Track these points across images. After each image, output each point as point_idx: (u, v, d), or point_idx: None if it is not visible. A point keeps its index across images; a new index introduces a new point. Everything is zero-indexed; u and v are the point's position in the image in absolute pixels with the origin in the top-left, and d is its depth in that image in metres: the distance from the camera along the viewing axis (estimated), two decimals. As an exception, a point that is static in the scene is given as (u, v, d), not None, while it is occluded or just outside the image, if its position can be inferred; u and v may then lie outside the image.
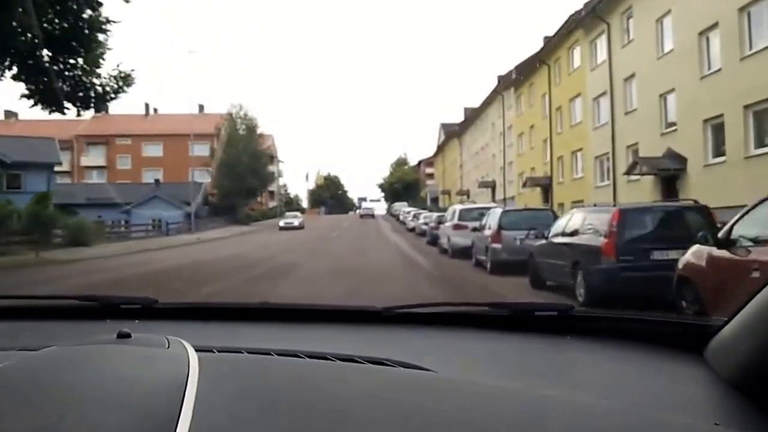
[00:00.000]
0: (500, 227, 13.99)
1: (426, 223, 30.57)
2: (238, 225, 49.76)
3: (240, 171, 51.35)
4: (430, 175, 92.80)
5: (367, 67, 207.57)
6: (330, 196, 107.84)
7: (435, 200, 70.96)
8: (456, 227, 18.82)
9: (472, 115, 55.72)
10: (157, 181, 52.60)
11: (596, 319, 1.43)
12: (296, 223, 45.26)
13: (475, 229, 16.23)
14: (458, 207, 20.25)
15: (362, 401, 0.74)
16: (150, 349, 0.83)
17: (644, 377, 1.08)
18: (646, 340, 1.22)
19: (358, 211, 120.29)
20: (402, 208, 54.59)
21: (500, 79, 46.32)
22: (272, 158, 76.52)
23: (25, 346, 1.06)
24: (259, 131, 58.02)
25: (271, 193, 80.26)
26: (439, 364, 1.02)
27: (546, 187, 34.20)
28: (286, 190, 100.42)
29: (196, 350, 0.83)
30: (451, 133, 67.31)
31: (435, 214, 29.33)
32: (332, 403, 0.72)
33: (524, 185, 36.16)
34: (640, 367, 1.13)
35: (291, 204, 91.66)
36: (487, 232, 14.49)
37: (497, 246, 13.74)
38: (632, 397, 0.95)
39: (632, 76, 23.69)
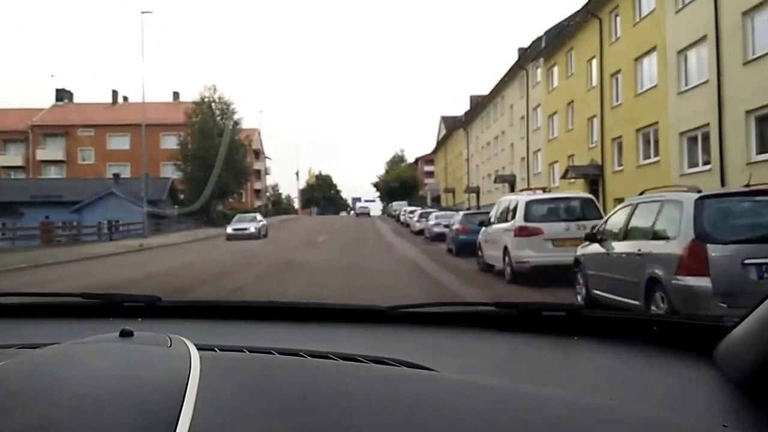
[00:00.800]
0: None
1: (444, 225, 23.20)
2: (212, 227, 41.63)
3: (212, 164, 42.72)
4: (430, 174, 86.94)
5: (360, 61, 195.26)
6: (323, 195, 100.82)
7: (436, 199, 65.27)
8: (522, 233, 10.90)
9: (482, 102, 48.27)
10: (116, 176, 44.47)
11: (604, 319, 1.40)
12: (252, 229, 31.39)
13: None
14: (520, 198, 11.66)
15: (364, 401, 0.74)
16: (152, 347, 0.83)
17: (652, 379, 1.07)
18: (655, 341, 1.20)
19: (352, 211, 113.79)
20: (402, 207, 48.61)
21: (522, 52, 38.54)
22: (257, 153, 70.84)
23: (28, 344, 1.08)
24: (236, 117, 49.31)
25: (258, 191, 74.31)
26: (443, 364, 1.02)
27: (594, 179, 26.45)
28: (276, 190, 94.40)
29: (198, 349, 0.83)
30: (455, 126, 60.89)
31: (460, 213, 21.52)
32: (334, 403, 0.72)
33: (564, 176, 28.30)
34: (648, 368, 1.12)
35: (280, 204, 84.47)
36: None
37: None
38: (640, 398, 0.95)
39: (761, 4, 15.94)
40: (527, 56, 36.31)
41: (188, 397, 0.66)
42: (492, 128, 45.49)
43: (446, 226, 22.33)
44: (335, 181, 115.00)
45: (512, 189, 36.88)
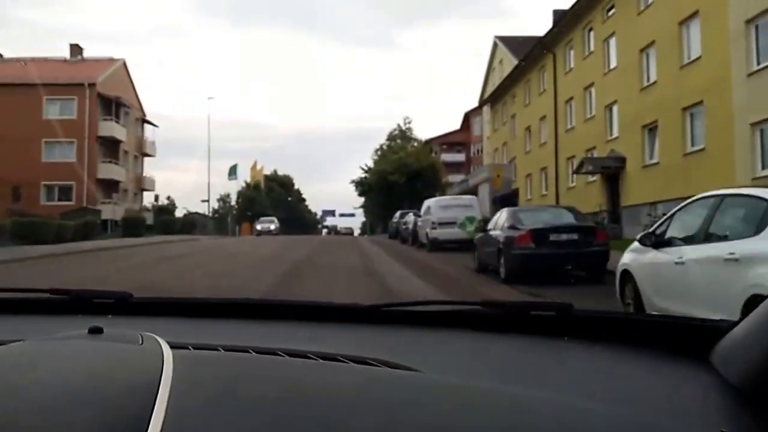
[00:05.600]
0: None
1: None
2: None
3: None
4: (454, 167, 60.39)
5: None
6: (274, 202, 72.18)
7: (505, 199, 33.61)
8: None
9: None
10: None
11: (596, 319, 1.37)
12: None
13: None
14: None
15: (344, 402, 0.72)
16: (122, 345, 0.82)
17: (646, 381, 1.04)
18: (649, 341, 1.18)
19: (324, 230, 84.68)
20: (440, 213, 22.07)
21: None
22: (110, 103, 42.80)
23: None
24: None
25: (116, 185, 44.74)
26: (427, 365, 1.01)
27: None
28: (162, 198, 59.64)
29: (171, 347, 0.81)
30: (532, 55, 33.59)
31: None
32: (313, 404, 0.70)
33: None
34: (642, 370, 1.10)
35: (165, 212, 52.01)
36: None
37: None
38: (633, 401, 0.93)
39: None
40: None
41: (160, 398, 0.64)
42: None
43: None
44: (299, 187, 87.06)
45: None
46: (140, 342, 0.83)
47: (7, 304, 1.61)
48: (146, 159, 52.26)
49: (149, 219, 43.47)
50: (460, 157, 65.89)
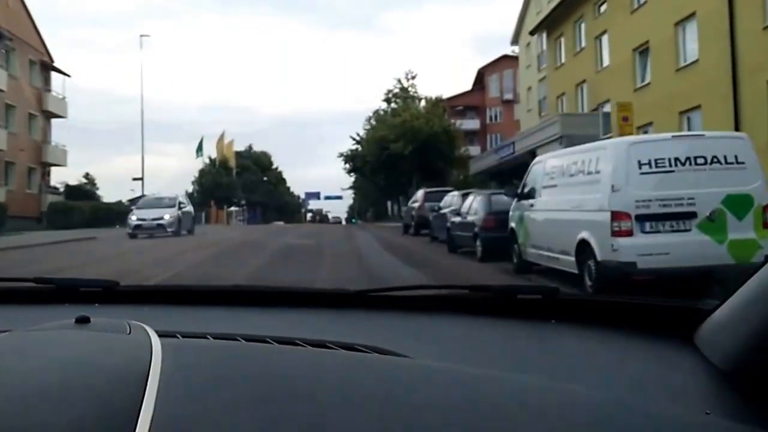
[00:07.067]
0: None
1: None
2: None
3: None
4: (472, 135, 48.75)
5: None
6: (247, 184, 61.19)
7: None
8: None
9: None
10: None
11: (582, 302, 1.43)
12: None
13: None
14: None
15: (333, 388, 0.72)
16: (110, 334, 0.81)
17: (631, 363, 1.06)
18: (634, 324, 1.19)
19: (309, 215, 77.80)
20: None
21: None
22: None
23: None
24: None
25: (47, 167, 36.19)
26: (415, 350, 1.01)
27: None
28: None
29: (159, 335, 0.81)
30: None
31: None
32: (303, 391, 0.70)
33: None
34: (627, 352, 1.12)
35: (81, 196, 37.64)
36: None
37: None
38: (618, 383, 0.95)
39: None
40: None
41: (150, 387, 0.64)
42: None
43: None
44: (278, 166, 73.92)
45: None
46: (128, 331, 0.82)
47: None
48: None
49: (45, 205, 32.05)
50: (472, 124, 52.99)
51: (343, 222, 58.68)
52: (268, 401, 0.66)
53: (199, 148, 54.20)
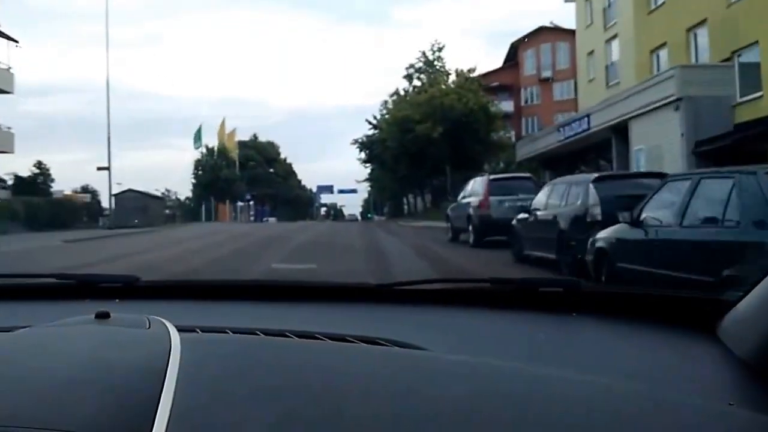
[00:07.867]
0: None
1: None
2: None
3: None
4: (504, 119, 38.51)
5: None
6: (251, 175, 55.10)
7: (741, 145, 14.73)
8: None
9: None
10: None
11: (604, 295, 1.41)
12: None
13: None
14: None
15: (353, 382, 0.73)
16: (130, 329, 0.82)
17: (654, 356, 1.05)
18: (656, 317, 1.19)
19: (323, 210, 74.95)
20: None
21: None
22: None
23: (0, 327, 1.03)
24: None
25: None
26: (436, 343, 1.02)
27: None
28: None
29: (179, 330, 0.82)
30: None
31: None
32: (323, 385, 0.71)
33: None
34: (649, 345, 1.11)
35: (31, 190, 32.73)
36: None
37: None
38: (640, 376, 0.94)
39: None
40: None
41: (168, 381, 0.64)
42: None
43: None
44: (286, 157, 68.58)
45: None
46: (147, 326, 0.82)
47: (14, 290, 1.61)
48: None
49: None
50: (505, 106, 44.42)
51: (358, 218, 53.58)
52: (288, 395, 0.66)
53: (197, 138, 48.29)
